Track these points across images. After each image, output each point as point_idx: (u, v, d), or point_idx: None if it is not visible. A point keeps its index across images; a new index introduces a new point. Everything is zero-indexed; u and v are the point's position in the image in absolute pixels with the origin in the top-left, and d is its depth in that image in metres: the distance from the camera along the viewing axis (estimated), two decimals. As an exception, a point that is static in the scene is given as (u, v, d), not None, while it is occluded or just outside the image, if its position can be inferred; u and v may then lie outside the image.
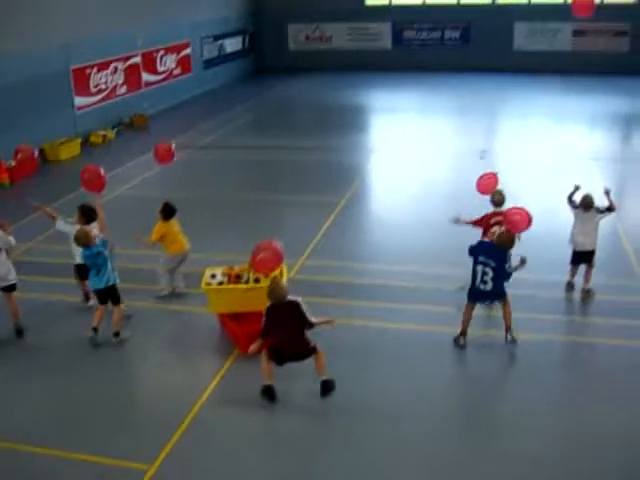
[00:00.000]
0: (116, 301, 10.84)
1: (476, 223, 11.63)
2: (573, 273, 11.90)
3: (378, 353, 10.32)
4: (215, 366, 9.99)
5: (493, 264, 9.99)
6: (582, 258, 11.76)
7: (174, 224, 12.02)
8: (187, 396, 9.24)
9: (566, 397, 9.26)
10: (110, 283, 10.69)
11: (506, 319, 10.22)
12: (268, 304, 9.07)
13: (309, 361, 9.10)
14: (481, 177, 12.36)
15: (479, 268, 10.07)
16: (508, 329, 10.20)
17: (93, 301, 11.50)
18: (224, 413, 8.99)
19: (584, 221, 11.61)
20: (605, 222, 13.85)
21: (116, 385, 9.69)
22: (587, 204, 11.53)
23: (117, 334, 10.75)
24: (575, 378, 9.66)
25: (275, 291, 9.08)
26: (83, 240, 10.41)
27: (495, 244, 10.05)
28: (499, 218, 10.98)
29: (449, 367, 10.02)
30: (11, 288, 11.11)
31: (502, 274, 10.02)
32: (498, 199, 11.53)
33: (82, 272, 11.44)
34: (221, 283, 10.58)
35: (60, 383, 9.74)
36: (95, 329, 10.72)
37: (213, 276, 10.68)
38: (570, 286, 11.89)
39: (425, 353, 10.27)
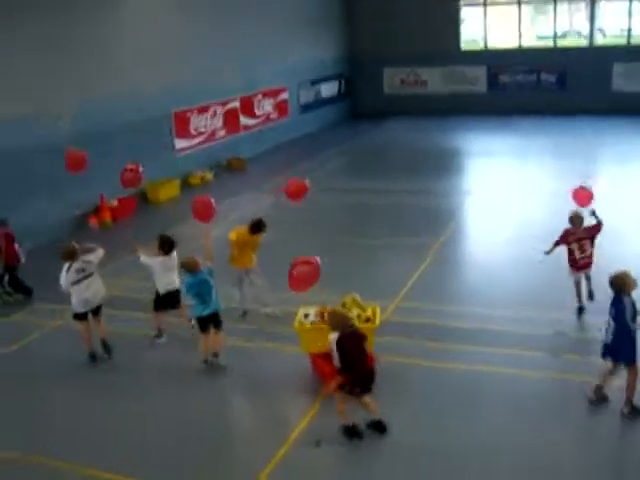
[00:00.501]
0: (219, 326, 11.08)
1: (558, 242, 12.35)
2: None
3: (479, 399, 10.18)
4: (305, 406, 10.07)
5: (613, 313, 9.19)
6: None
7: (257, 240, 12.64)
8: (276, 436, 9.32)
9: None
10: (214, 311, 10.95)
11: (627, 387, 9.30)
12: (335, 336, 8.86)
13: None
14: (578, 190, 12.70)
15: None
16: (627, 401, 9.31)
17: (164, 339, 12.12)
18: (313, 454, 9.01)
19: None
20: None
21: (207, 420, 9.87)
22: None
23: (216, 355, 11.03)
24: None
25: (343, 319, 9.05)
26: (191, 266, 10.72)
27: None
28: (577, 236, 12.11)
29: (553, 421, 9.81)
30: (97, 310, 11.67)
31: (620, 326, 9.08)
32: (575, 221, 12.15)
33: (162, 303, 11.99)
34: (313, 323, 10.68)
35: (150, 410, 9.97)
36: (215, 354, 11.10)
37: (306, 315, 10.81)
38: None
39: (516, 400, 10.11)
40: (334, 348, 8.79)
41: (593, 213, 12.01)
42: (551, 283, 13.31)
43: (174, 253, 11.86)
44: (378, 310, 10.88)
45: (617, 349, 9.22)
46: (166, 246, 11.83)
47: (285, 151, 29.43)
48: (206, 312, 10.91)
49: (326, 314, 9.17)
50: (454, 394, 10.27)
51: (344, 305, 10.75)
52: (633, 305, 9.14)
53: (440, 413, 9.76)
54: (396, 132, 32.59)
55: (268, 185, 23.10)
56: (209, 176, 24.46)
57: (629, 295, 9.18)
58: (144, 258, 11.99)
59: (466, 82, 36.56)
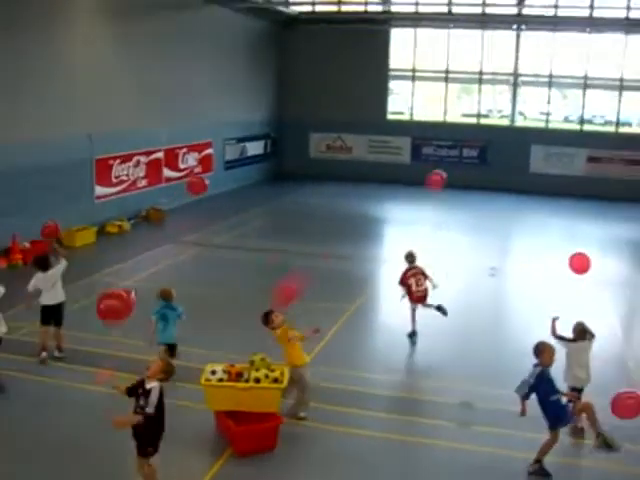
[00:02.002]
0: (173, 353, 12.17)
1: (401, 282, 14.45)
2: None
3: (379, 466, 10.12)
4: (206, 465, 9.81)
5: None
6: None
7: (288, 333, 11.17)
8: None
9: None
10: (169, 341, 12.23)
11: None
12: (158, 385, 8.53)
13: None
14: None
15: None
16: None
17: (45, 355, 12.75)
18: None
19: (580, 352, 10.95)
20: (614, 351, 13.82)
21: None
22: (584, 332, 10.96)
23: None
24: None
25: (173, 369, 8.94)
26: (164, 295, 12.31)
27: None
28: (414, 271, 14.41)
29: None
30: None
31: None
32: (411, 259, 14.63)
33: (45, 317, 12.90)
34: (221, 380, 10.49)
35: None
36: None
37: (213, 372, 10.58)
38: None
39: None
40: (155, 398, 8.44)
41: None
42: (459, 353, 13.43)
43: (50, 271, 12.80)
44: (287, 371, 10.76)
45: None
46: (40, 264, 12.85)
47: (206, 206, 29.25)
48: (163, 340, 12.19)
49: (161, 364, 8.79)
50: (356, 461, 10.18)
51: (252, 364, 10.62)
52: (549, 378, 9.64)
53: (341, 476, 9.65)
54: (319, 196, 32.83)
55: (186, 238, 22.94)
56: (127, 225, 24.14)
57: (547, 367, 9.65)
58: (31, 285, 12.84)
59: (391, 152, 37.28)
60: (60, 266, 13.13)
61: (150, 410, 8.37)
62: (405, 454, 10.49)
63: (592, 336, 11.08)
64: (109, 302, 9.36)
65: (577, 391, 10.80)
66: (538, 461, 9.79)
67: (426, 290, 14.49)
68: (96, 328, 14.24)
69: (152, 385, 8.47)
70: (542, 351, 9.74)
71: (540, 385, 9.61)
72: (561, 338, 11.11)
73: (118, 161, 24.60)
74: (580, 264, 13.48)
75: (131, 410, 8.52)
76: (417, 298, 14.42)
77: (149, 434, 8.54)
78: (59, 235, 17.54)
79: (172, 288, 12.55)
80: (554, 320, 11.35)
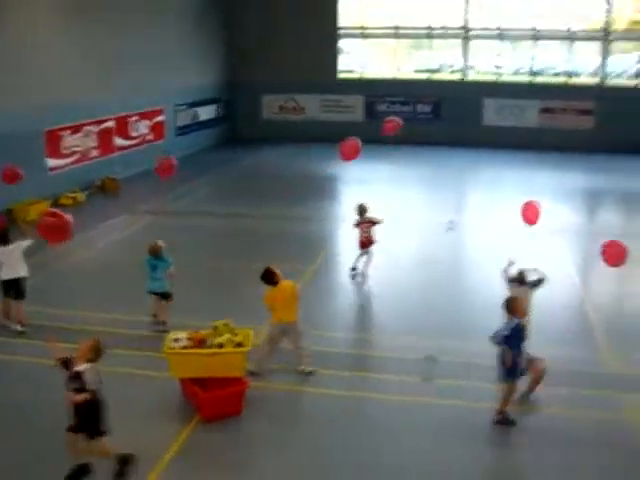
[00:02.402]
0: (166, 298, 13.14)
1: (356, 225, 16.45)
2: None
3: (346, 424, 10.21)
4: (175, 431, 9.81)
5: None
6: None
7: (284, 290, 11.48)
8: (145, 461, 8.99)
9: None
10: (157, 290, 13.08)
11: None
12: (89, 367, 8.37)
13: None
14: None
15: None
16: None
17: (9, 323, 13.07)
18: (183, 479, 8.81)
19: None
20: (572, 296, 14.09)
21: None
22: (521, 279, 11.49)
23: (164, 323, 12.94)
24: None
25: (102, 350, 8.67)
26: (152, 250, 13.02)
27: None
28: (362, 222, 16.33)
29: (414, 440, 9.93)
30: None
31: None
32: (359, 212, 16.46)
33: (5, 290, 13.14)
34: (184, 347, 10.45)
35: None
36: (155, 315, 13.18)
37: (176, 340, 10.52)
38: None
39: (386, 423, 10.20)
40: (91, 376, 8.27)
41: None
42: (421, 308, 13.54)
43: (11, 245, 12.98)
44: (251, 334, 10.75)
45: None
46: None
47: (161, 173, 28.95)
48: (150, 288, 13.13)
49: (89, 344, 8.46)
50: (321, 419, 10.29)
51: (216, 329, 10.59)
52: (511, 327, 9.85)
53: (309, 438, 9.72)
54: (273, 157, 32.69)
55: (142, 207, 22.72)
56: (81, 197, 23.80)
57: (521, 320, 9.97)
58: None
59: (343, 110, 37.16)
60: (24, 242, 13.11)
61: (94, 387, 8.24)
62: (372, 411, 10.60)
63: (534, 285, 11.52)
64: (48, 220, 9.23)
65: None
66: (501, 412, 10.01)
67: (368, 238, 16.28)
68: (54, 302, 14.22)
69: (82, 368, 8.24)
70: (515, 308, 9.97)
71: (513, 337, 9.78)
72: (509, 280, 11.61)
73: (68, 132, 24.17)
74: (530, 215, 13.62)
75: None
76: (360, 243, 16.36)
77: (97, 412, 8.40)
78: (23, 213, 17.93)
79: (158, 242, 13.15)
80: (509, 264, 11.77)
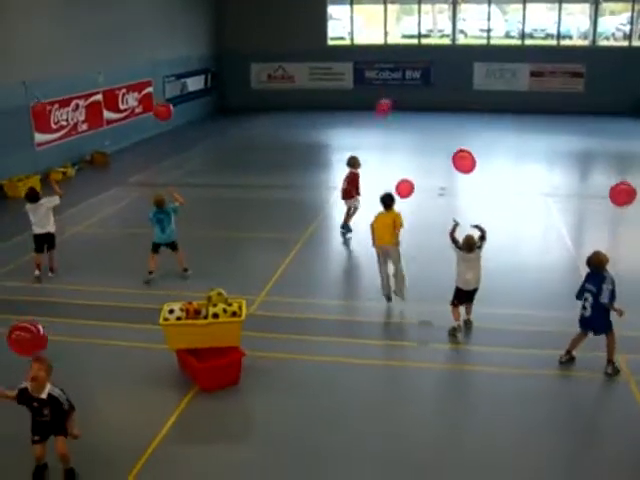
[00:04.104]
0: (175, 249, 14.18)
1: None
2: (457, 314, 11.65)
3: (347, 389, 10.25)
4: (173, 403, 9.84)
5: (594, 289, 10.19)
6: (467, 296, 11.66)
7: (386, 217, 12.69)
8: (144, 433, 9.07)
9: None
10: (167, 240, 14.03)
11: (608, 350, 10.36)
12: None
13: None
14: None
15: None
16: (609, 361, 10.36)
17: (37, 272, 14.13)
18: (183, 449, 8.85)
19: (468, 261, 11.48)
20: (564, 258, 14.13)
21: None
22: (469, 245, 11.47)
23: (185, 270, 14.17)
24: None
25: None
26: (157, 202, 13.89)
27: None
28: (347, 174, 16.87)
29: (413, 403, 9.98)
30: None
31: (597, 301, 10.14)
32: (348, 163, 17.04)
33: (37, 245, 14.17)
34: (179, 319, 10.44)
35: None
36: (151, 272, 13.90)
37: (171, 311, 10.49)
38: (458, 329, 11.59)
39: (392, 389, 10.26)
40: (61, 393, 8.11)
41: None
42: (417, 275, 13.52)
43: (39, 202, 14.00)
44: (244, 304, 10.76)
45: (596, 322, 10.28)
46: (29, 197, 14.12)
47: (151, 146, 28.85)
48: (158, 240, 13.97)
49: (45, 367, 8.04)
50: (320, 386, 10.31)
51: (210, 299, 10.58)
52: (613, 281, 10.16)
53: (307, 405, 9.77)
54: (263, 127, 32.52)
55: (133, 180, 22.64)
56: (71, 171, 23.67)
57: (607, 271, 10.24)
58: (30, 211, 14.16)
59: (333, 78, 36.96)
60: (52, 200, 14.24)
61: (67, 406, 8.08)
62: (371, 376, 10.64)
63: (479, 247, 11.60)
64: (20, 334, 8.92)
65: (464, 292, 11.57)
66: (613, 361, 10.36)
67: (344, 190, 16.88)
68: (51, 277, 14.26)
69: (47, 391, 8.00)
70: (602, 261, 10.27)
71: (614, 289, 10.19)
72: (453, 241, 11.79)
73: (56, 106, 23.98)
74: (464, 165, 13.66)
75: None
76: (342, 192, 17.07)
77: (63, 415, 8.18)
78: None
79: (162, 194, 14.21)
80: (454, 225, 11.95)
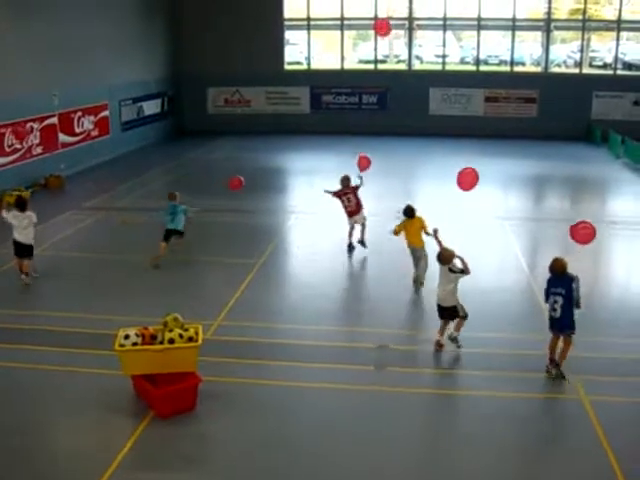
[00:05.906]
0: (179, 238, 16.57)
1: (335, 194, 17.32)
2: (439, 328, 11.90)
3: (302, 414, 10.23)
4: (129, 429, 9.70)
5: (563, 291, 10.61)
6: (441, 312, 11.86)
7: (413, 223, 14.73)
8: (100, 459, 8.91)
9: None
10: (174, 228, 16.23)
11: (561, 353, 10.82)
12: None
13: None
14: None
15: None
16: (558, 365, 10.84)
17: (24, 277, 14.91)
18: (138, 476, 8.74)
19: (440, 275, 11.83)
20: (521, 280, 14.25)
21: (21, 449, 9.29)
22: (439, 258, 11.80)
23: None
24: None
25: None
26: (170, 197, 16.45)
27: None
28: (345, 191, 17.20)
29: (363, 425, 9.96)
30: None
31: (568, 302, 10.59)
32: (343, 182, 17.36)
33: (17, 251, 14.97)
34: (135, 344, 10.31)
35: None
36: (158, 257, 15.97)
37: (127, 337, 10.34)
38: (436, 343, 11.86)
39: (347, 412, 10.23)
40: None
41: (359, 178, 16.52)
42: (372, 298, 13.58)
43: (26, 212, 14.86)
44: (201, 329, 10.67)
45: (565, 321, 10.67)
46: (19, 204, 15.08)
47: (107, 170, 28.61)
48: (169, 226, 16.19)
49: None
50: (277, 410, 10.26)
51: (166, 325, 10.48)
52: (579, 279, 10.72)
53: (264, 430, 9.70)
54: (220, 151, 32.48)
55: (88, 204, 22.41)
56: (26, 194, 23.35)
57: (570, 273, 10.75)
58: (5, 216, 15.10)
59: (289, 102, 37.10)
60: (33, 214, 15.12)
61: None
62: (329, 399, 10.59)
63: (439, 261, 11.86)
64: None
65: (438, 307, 11.89)
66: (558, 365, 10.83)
67: (356, 205, 17.16)
68: (7, 303, 14.02)
69: None
70: (565, 264, 10.79)
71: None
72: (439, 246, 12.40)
73: (10, 129, 23.71)
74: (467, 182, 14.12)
75: None
76: (349, 212, 17.20)
77: None
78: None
79: (174, 191, 16.62)
80: (435, 230, 13.08)
